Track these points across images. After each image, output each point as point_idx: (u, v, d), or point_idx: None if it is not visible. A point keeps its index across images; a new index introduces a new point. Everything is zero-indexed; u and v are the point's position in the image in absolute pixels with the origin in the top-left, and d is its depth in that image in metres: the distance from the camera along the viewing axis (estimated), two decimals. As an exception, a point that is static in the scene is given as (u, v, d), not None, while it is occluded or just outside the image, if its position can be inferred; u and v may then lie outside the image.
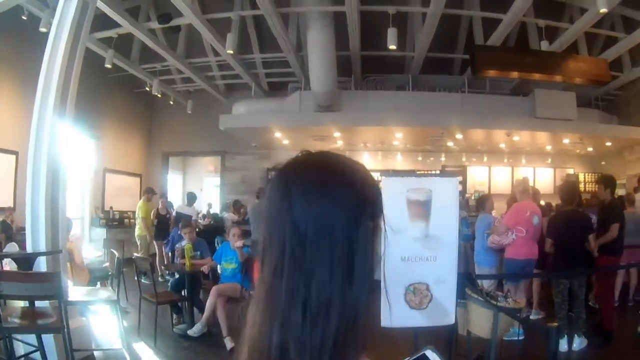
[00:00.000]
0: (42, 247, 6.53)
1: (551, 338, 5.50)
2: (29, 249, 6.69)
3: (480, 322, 6.45)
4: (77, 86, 7.10)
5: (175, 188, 23.03)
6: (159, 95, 17.04)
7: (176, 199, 21.84)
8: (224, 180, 19.82)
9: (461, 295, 6.40)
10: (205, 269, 8.97)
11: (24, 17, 11.10)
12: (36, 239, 6.61)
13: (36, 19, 11.06)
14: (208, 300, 8.08)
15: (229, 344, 7.63)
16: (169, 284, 9.60)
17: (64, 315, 5.24)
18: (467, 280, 6.74)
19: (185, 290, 8.83)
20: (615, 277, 9.58)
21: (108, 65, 13.63)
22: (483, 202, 10.12)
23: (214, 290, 8.16)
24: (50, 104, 6.67)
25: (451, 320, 6.31)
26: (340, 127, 14.85)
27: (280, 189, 1.09)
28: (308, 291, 1.03)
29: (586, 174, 18.68)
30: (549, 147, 17.32)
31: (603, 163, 18.59)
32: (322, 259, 1.04)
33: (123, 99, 17.74)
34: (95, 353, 7.05)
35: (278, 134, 15.78)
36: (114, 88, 16.75)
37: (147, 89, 16.54)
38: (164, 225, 13.46)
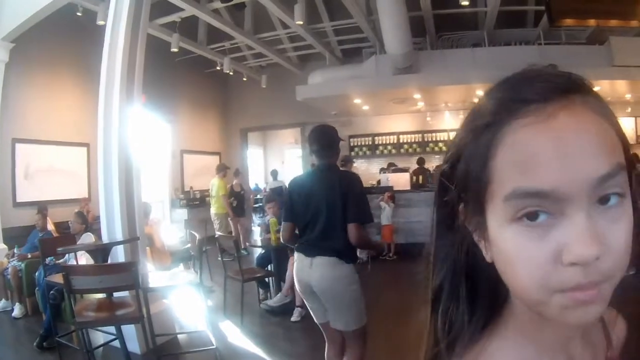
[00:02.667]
0: (119, 236, 6.41)
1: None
2: (105, 238, 6.59)
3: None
4: (146, 74, 7.09)
5: (256, 163, 23.22)
6: (231, 73, 16.82)
7: (258, 174, 22.09)
8: (305, 152, 19.28)
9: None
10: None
11: (79, 14, 11.38)
12: (112, 228, 6.52)
13: (91, 14, 11.30)
14: (287, 271, 8.00)
15: (296, 314, 7.67)
16: (255, 258, 9.56)
17: (143, 304, 5.11)
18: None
19: (272, 266, 8.75)
20: None
21: (174, 50, 13.54)
22: None
23: (291, 260, 7.83)
24: (115, 95, 6.64)
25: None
26: (419, 88, 14.37)
27: None
28: None
29: None
30: (628, 96, 16.17)
31: None
32: None
33: (195, 80, 17.79)
34: (179, 336, 7.00)
35: (357, 100, 15.44)
36: (185, 71, 16.80)
37: (218, 68, 16.39)
38: (239, 202, 13.54)
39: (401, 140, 18.22)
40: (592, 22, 12.14)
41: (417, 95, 15.08)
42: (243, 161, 19.82)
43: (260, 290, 8.88)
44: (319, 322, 4.59)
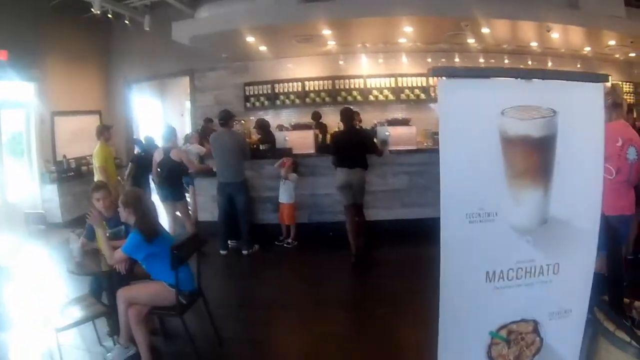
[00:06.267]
0: None
1: None
2: None
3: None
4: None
5: (154, 115, 20.58)
6: (110, 16, 13.35)
7: (154, 128, 18.87)
8: (194, 104, 16.28)
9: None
10: (120, 265, 5.24)
11: None
12: None
13: None
14: (120, 311, 5.06)
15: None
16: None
17: None
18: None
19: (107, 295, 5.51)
20: None
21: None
22: None
23: (119, 295, 5.09)
24: None
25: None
26: (331, 21, 11.12)
27: None
28: None
29: (623, 83, 15.73)
30: (587, 49, 14.08)
31: (635, 71, 16.15)
32: None
33: (70, 28, 14.29)
34: None
35: (251, 39, 12.19)
36: (59, 18, 13.51)
37: (93, 10, 12.65)
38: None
39: (307, 88, 14.97)
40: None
41: (326, 31, 11.90)
42: (128, 116, 16.77)
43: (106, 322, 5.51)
44: (348, 204, 8.67)
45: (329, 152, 9.20)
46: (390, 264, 8.24)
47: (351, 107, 9.45)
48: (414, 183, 10.18)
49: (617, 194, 4.96)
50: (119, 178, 10.58)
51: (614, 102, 5.20)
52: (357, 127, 11.26)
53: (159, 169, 9.22)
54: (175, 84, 19.69)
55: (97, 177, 9.96)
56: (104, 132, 10.14)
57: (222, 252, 9.08)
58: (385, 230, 9.57)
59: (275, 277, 7.99)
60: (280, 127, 13.16)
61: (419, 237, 9.03)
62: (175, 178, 9.23)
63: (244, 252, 9.07)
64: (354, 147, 8.57)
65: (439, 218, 8.77)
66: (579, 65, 15.10)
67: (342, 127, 9.32)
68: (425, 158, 10.15)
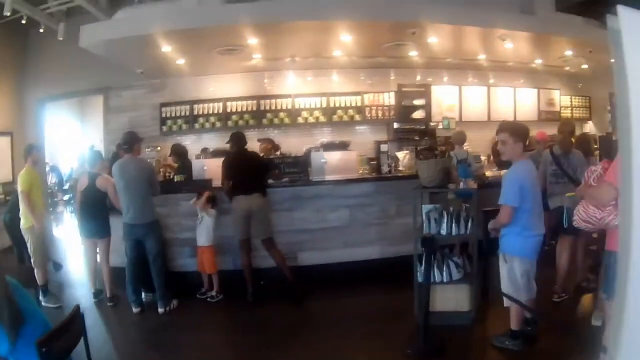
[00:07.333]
0: None
1: None
2: None
3: None
4: None
5: (72, 138, 19.42)
6: (24, 22, 11.84)
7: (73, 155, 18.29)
8: (107, 126, 14.41)
9: None
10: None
11: None
12: None
13: None
14: None
15: None
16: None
17: None
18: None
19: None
20: None
21: None
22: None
23: None
24: None
25: None
26: (259, 25, 9.60)
27: None
28: None
29: (572, 97, 15.81)
30: (538, 61, 13.28)
31: (580, 85, 15.80)
32: None
33: None
34: None
35: (167, 48, 10.50)
36: None
37: (6, 13, 10.97)
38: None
39: (229, 109, 13.44)
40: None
41: (252, 40, 10.42)
42: (39, 139, 14.38)
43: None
44: (242, 239, 7.84)
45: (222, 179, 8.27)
46: (339, 322, 6.66)
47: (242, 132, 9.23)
48: (355, 218, 8.83)
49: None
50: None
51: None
52: (278, 153, 11.75)
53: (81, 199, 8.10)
54: (96, 103, 17.36)
55: (22, 215, 8.33)
56: (32, 152, 8.58)
57: (135, 309, 7.30)
58: (325, 276, 8.37)
59: (198, 346, 6.11)
60: (198, 155, 11.72)
61: (366, 283, 7.67)
62: (100, 210, 8.00)
63: (160, 310, 7.31)
64: (248, 171, 8.09)
65: (385, 259, 9.00)
66: (522, 81, 14.71)
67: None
68: (367, 189, 8.95)
